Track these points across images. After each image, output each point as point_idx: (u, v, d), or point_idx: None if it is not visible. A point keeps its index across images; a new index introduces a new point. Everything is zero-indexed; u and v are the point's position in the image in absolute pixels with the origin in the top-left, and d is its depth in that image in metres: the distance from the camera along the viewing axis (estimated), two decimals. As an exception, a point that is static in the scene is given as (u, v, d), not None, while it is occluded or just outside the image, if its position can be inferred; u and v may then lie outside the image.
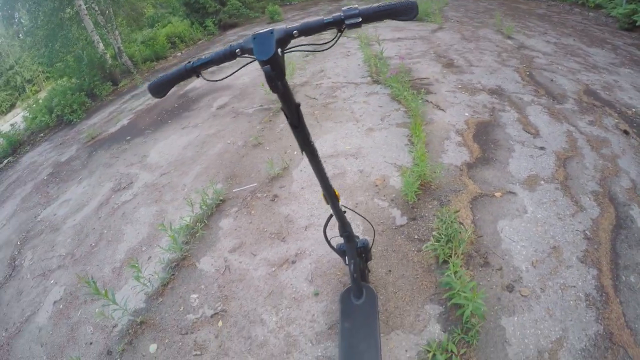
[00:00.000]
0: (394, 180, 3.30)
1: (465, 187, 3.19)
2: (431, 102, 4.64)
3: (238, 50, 1.18)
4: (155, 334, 2.46)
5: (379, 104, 4.75)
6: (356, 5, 1.15)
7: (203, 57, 1.23)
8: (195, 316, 2.50)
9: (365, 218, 2.30)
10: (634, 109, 4.36)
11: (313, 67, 6.52)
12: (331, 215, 1.85)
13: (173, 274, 2.81)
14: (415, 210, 2.99)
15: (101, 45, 7.39)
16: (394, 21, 1.18)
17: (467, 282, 2.14)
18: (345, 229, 1.88)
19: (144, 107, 6.16)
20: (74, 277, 3.09)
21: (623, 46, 7.00)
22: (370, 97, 4.94)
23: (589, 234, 2.69)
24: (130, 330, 2.51)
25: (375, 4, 1.13)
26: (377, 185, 3.32)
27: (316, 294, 2.47)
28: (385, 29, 7.90)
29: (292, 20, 11.95)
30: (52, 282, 3.20)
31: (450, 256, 2.43)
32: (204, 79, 1.33)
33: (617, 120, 4.11)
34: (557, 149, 3.63)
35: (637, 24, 8.06)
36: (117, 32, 7.92)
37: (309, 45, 1.28)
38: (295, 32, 1.16)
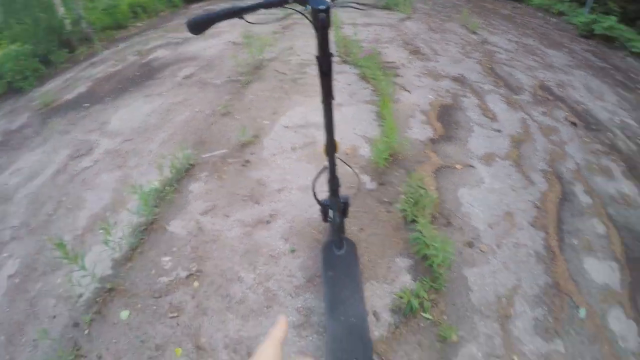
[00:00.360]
0: (363, 150, 3.42)
1: (429, 159, 3.42)
2: (398, 84, 4.80)
3: None
4: (127, 300, 2.35)
5: (348, 82, 4.85)
6: None
7: (253, 2, 1.29)
8: (168, 279, 2.43)
9: (353, 170, 2.39)
10: (582, 106, 4.80)
11: (282, 44, 6.48)
12: (322, 170, 1.97)
13: (142, 238, 2.72)
14: (384, 176, 3.18)
15: (62, 9, 6.92)
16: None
17: (436, 236, 2.34)
18: (334, 182, 1.97)
19: (102, 75, 5.85)
20: (31, 247, 2.88)
21: (580, 51, 7.51)
22: (339, 76, 5.02)
23: (538, 203, 3.01)
24: (98, 299, 2.36)
25: None
26: (347, 154, 3.44)
27: (292, 251, 2.54)
28: (356, 14, 7.99)
29: None
30: (4, 255, 2.91)
31: (417, 216, 2.64)
32: (247, 21, 1.36)
33: (567, 113, 4.49)
34: (512, 132, 3.94)
35: (595, 32, 8.67)
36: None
37: (356, 3, 1.45)
38: None
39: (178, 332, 2.12)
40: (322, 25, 1.26)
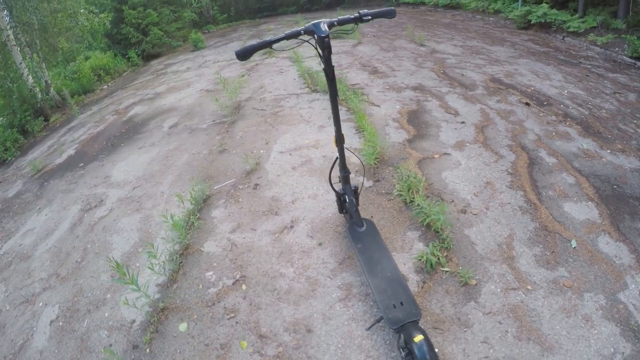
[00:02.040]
0: (353, 159, 3.88)
1: (410, 155, 3.96)
2: (367, 101, 5.37)
3: (302, 30, 1.89)
4: (182, 314, 2.55)
5: (322, 107, 5.40)
6: (366, 10, 2.01)
7: (277, 36, 1.87)
8: (216, 289, 2.71)
9: (358, 157, 2.99)
10: (532, 88, 5.61)
11: (252, 84, 7.00)
12: (335, 161, 2.49)
13: (181, 262, 3.01)
14: (377, 175, 3.69)
15: (30, 79, 7.14)
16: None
17: (433, 206, 2.90)
18: (345, 169, 2.47)
19: (86, 136, 6.10)
20: (67, 293, 3.03)
21: (520, 42, 8.51)
22: (313, 103, 5.57)
23: (510, 171, 3.59)
24: (152, 320, 2.55)
25: (376, 10, 2.05)
26: None
27: (320, 244, 2.94)
28: (309, 47, 8.58)
29: (214, 47, 12.42)
30: (40, 305, 3.05)
31: (414, 198, 3.15)
32: (274, 50, 2.01)
33: (519, 97, 5.23)
34: (474, 121, 4.58)
35: (532, 22, 9.70)
36: (44, 65, 7.69)
37: (339, 32, 2.10)
38: (335, 22, 1.95)
39: (239, 328, 2.39)
40: (327, 46, 1.87)
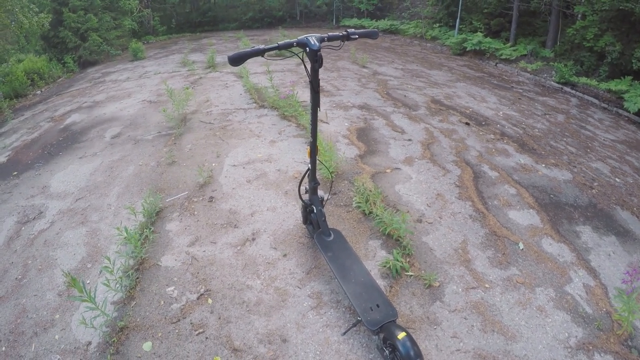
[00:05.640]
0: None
1: (363, 169, 4.14)
2: (316, 118, 5.48)
3: (295, 43, 1.96)
4: (144, 333, 2.40)
5: (272, 122, 5.46)
6: (353, 29, 2.14)
7: (271, 45, 1.92)
8: (180, 304, 2.59)
9: (327, 168, 3.24)
10: (470, 109, 6.10)
11: (198, 97, 6.87)
12: (307, 172, 2.53)
13: (137, 277, 2.83)
14: (334, 189, 3.80)
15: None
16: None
17: (392, 217, 3.03)
18: (315, 180, 2.54)
19: (20, 143, 5.57)
20: (8, 314, 2.71)
21: (457, 67, 9.21)
22: (262, 119, 5.61)
23: (458, 183, 3.89)
24: (111, 340, 2.36)
25: (361, 30, 2.20)
26: (296, 178, 3.99)
27: (284, 255, 2.96)
28: (254, 65, 8.72)
29: (155, 58, 12.04)
30: None
31: (372, 209, 3.31)
32: (267, 58, 2.06)
33: (459, 117, 5.68)
34: (420, 139, 4.91)
35: (467, 49, 10.57)
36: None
37: (328, 47, 2.15)
38: (326, 37, 2.06)
39: (210, 344, 2.31)
40: (319, 59, 1.97)
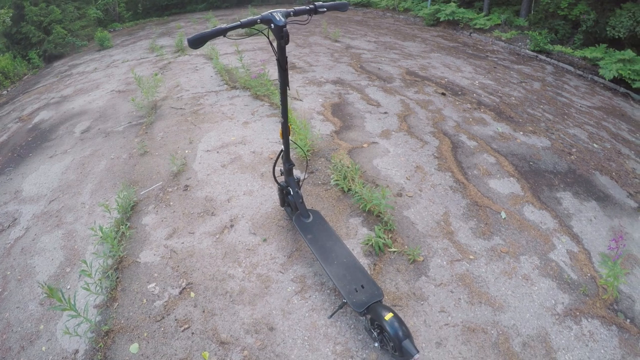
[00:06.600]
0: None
1: (340, 145, 4.06)
2: (289, 96, 5.35)
3: (259, 19, 1.83)
4: (130, 335, 2.35)
5: (244, 103, 5.31)
6: (321, 2, 2.01)
7: (233, 23, 1.78)
8: (162, 301, 2.53)
9: (301, 147, 3.09)
10: (445, 79, 6.03)
11: (167, 83, 6.63)
12: (280, 153, 2.46)
13: (118, 277, 2.75)
14: (310, 167, 3.73)
15: None
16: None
17: (372, 192, 2.99)
18: (290, 162, 2.47)
19: None
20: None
21: (431, 38, 9.08)
22: (234, 100, 5.45)
23: (436, 155, 3.85)
24: (98, 346, 2.31)
25: (330, 2, 2.07)
26: (271, 158, 3.91)
27: (264, 240, 2.90)
28: (224, 45, 8.46)
29: (122, 46, 11.54)
30: None
31: (350, 187, 3.25)
32: (229, 38, 1.91)
33: (435, 88, 5.60)
34: (396, 112, 4.84)
35: (440, 20, 10.48)
36: None
37: (294, 22, 2.03)
38: (292, 12, 1.94)
39: (197, 339, 2.27)
40: (285, 36, 1.83)
